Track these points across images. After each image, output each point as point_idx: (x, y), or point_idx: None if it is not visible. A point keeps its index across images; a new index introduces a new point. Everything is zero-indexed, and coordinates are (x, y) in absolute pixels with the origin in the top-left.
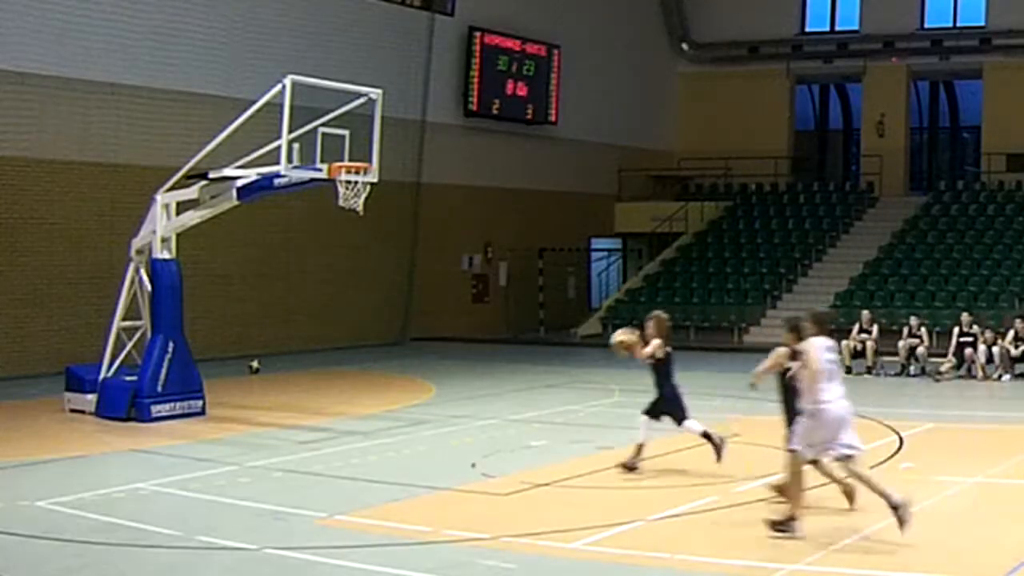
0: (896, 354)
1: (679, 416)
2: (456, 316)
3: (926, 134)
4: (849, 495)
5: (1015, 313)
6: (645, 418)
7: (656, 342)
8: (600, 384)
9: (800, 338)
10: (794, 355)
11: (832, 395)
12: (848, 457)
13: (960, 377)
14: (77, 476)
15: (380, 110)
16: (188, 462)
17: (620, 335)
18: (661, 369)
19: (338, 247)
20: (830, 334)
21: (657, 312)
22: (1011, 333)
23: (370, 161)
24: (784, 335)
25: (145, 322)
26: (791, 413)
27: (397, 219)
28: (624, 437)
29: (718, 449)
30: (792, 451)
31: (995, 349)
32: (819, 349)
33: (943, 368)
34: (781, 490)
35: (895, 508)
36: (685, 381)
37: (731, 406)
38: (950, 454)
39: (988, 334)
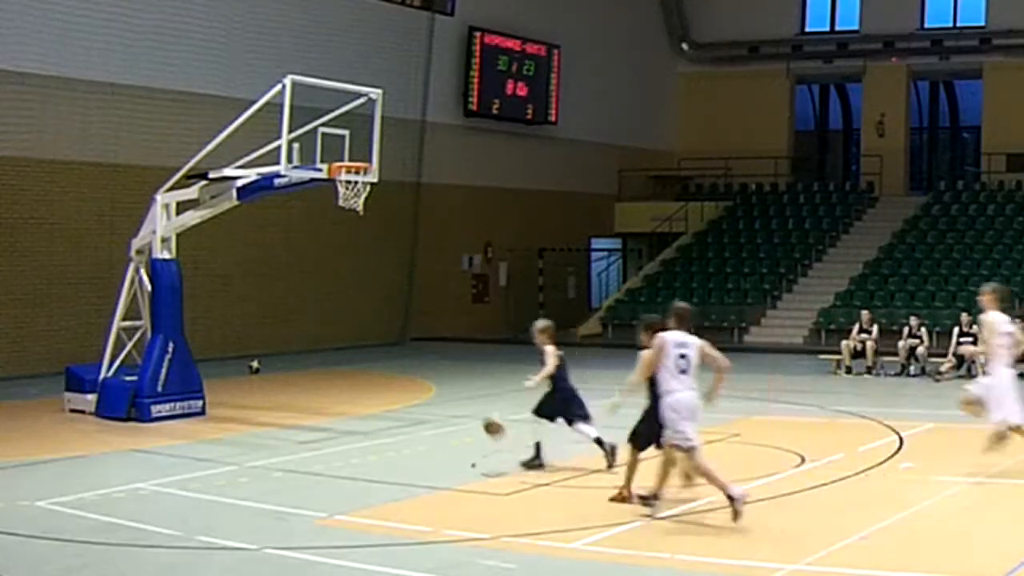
0: (896, 354)
1: (571, 417)
2: (456, 316)
3: (926, 134)
4: (668, 478)
5: (1015, 314)
6: (546, 422)
7: (550, 349)
8: (600, 384)
9: (655, 333)
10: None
11: (683, 385)
12: (690, 449)
13: (960, 377)
14: (77, 476)
15: (380, 110)
16: (188, 462)
17: (489, 420)
18: (556, 373)
19: (338, 247)
20: (689, 328)
21: (540, 323)
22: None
23: (370, 161)
24: (641, 335)
25: (145, 322)
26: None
27: (397, 219)
28: (625, 437)
29: (609, 457)
30: (687, 450)
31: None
32: (670, 343)
33: (943, 368)
34: (705, 478)
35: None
36: None
37: (731, 406)
38: (950, 454)
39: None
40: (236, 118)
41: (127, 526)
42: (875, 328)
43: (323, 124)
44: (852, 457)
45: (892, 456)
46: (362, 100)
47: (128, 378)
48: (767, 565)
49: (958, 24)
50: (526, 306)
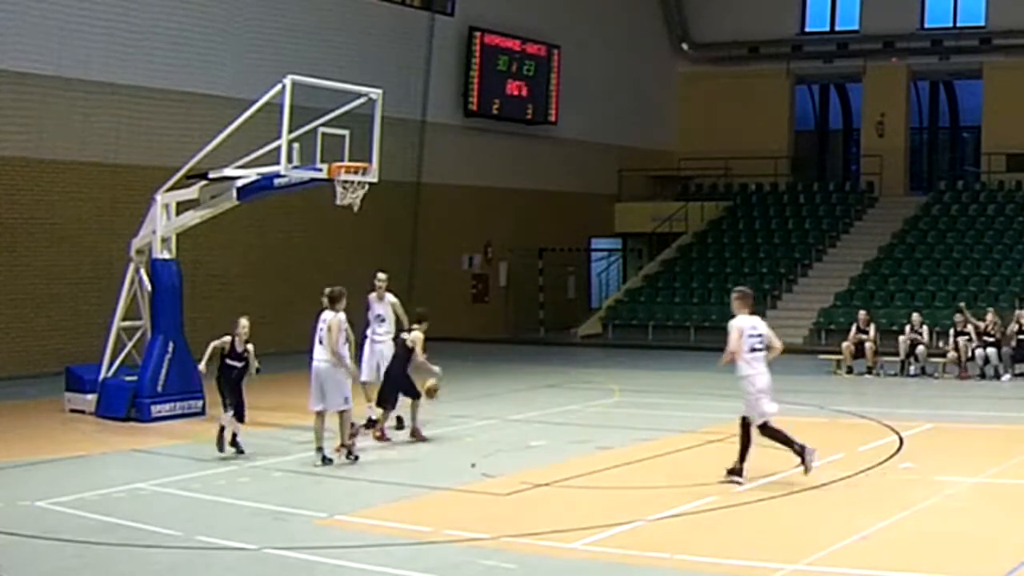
0: (896, 354)
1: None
2: (456, 316)
3: (926, 134)
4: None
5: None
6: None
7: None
8: (600, 384)
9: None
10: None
11: (318, 356)
12: (342, 412)
13: (960, 377)
14: (77, 476)
15: (380, 110)
16: (188, 462)
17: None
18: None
19: (338, 247)
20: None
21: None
22: (1014, 325)
23: (370, 161)
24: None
25: (145, 322)
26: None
27: (397, 219)
28: (625, 437)
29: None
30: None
31: (992, 351)
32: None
33: (947, 355)
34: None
35: (346, 447)
36: (686, 381)
37: (731, 406)
38: (950, 454)
39: (990, 318)
40: (236, 118)
41: (127, 526)
42: (872, 328)
43: (323, 124)
44: (852, 457)
45: (892, 456)
46: (362, 100)
47: (128, 378)
48: (767, 565)
49: (958, 24)
50: (526, 306)
